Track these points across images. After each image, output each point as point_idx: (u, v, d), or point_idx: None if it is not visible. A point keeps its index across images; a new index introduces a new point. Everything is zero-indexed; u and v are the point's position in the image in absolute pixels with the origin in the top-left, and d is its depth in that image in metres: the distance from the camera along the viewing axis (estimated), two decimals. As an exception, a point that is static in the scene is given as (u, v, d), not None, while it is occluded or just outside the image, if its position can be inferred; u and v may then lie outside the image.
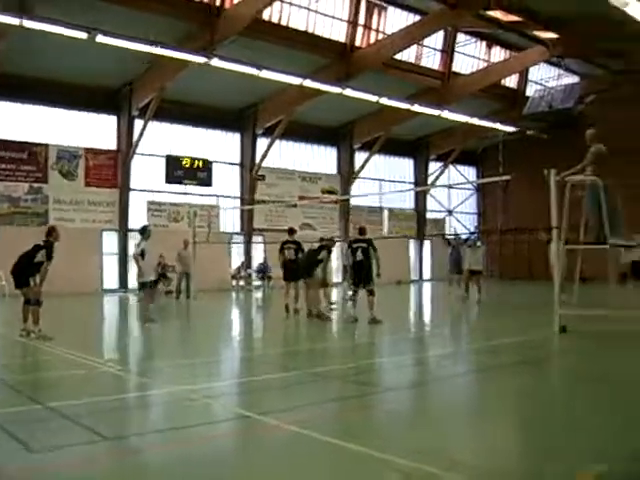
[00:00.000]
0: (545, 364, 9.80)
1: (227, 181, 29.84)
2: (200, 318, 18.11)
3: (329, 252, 16.01)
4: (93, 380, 8.06)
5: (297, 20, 25.26)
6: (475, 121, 31.06)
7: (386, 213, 35.89)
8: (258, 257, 29.61)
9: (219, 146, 29.60)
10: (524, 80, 33.64)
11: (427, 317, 19.15)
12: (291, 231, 17.11)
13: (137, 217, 26.62)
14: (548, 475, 4.63)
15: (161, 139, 27.58)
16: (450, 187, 39.38)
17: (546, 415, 6.42)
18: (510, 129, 32.91)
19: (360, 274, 14.57)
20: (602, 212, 11.59)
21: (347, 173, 33.56)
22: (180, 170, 27.29)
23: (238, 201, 30.10)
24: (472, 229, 38.33)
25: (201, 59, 21.44)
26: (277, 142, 30.09)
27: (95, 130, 26.04)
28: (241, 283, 28.57)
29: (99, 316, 18.75)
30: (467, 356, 10.69)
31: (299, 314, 15.87)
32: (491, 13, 24.27)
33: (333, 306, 17.50)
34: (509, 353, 10.50)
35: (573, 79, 31.47)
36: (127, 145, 26.04)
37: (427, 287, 32.71)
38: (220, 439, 5.65)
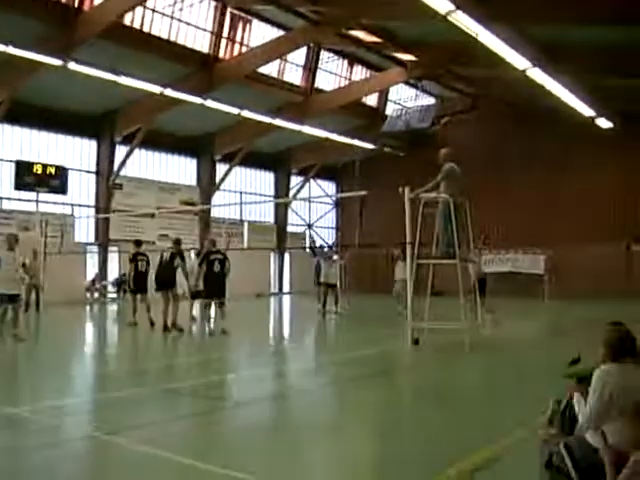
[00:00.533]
0: (397, 375, 10.24)
1: (83, 189, 28.78)
2: (50, 332, 17.31)
3: (182, 258, 15.89)
4: None
5: (160, 27, 24.76)
6: (335, 137, 31.63)
7: (246, 225, 35.80)
8: (114, 268, 28.75)
9: (75, 153, 28.50)
10: (384, 99, 34.60)
11: (285, 330, 19.22)
12: (138, 243, 17.23)
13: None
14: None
15: (11, 143, 26.23)
16: (310, 201, 39.87)
17: (395, 426, 6.60)
18: (369, 146, 33.75)
19: (217, 286, 14.82)
20: (450, 228, 12.12)
21: (207, 184, 33.20)
22: (31, 176, 25.93)
23: (93, 210, 29.10)
24: (329, 243, 39.04)
25: (57, 62, 20.56)
26: (136, 151, 29.35)
27: None
28: (95, 295, 27.63)
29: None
30: (322, 369, 10.82)
31: (154, 327, 15.55)
32: (353, 32, 24.82)
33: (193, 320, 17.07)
34: (365, 365, 10.75)
35: (429, 100, 32.70)
36: (-28, 148, 24.55)
37: (287, 300, 32.86)
38: (62, 461, 5.36)
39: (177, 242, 16.20)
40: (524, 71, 20.96)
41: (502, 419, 6.72)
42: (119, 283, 26.67)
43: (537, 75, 21.47)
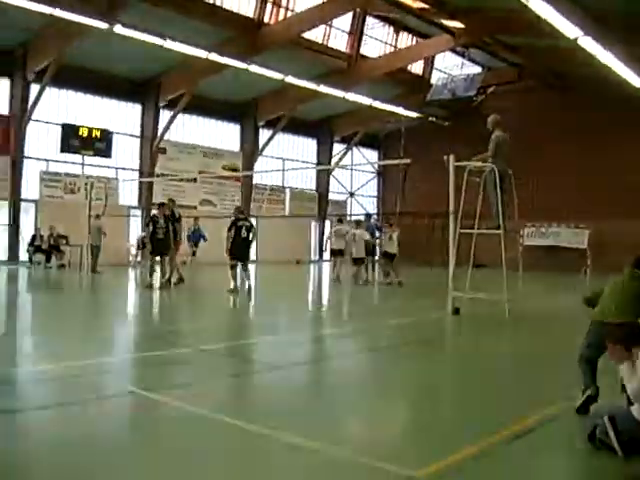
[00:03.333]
0: (436, 343, 10.10)
1: (127, 153, 29.04)
2: (103, 293, 17.64)
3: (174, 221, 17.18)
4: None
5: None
6: (379, 105, 31.32)
7: (288, 193, 35.83)
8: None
9: (119, 117, 28.70)
10: (430, 67, 34.10)
11: (324, 297, 19.20)
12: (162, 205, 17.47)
13: (30, 187, 25.63)
14: (425, 447, 4.71)
15: (58, 106, 26.52)
16: (352, 169, 39.70)
17: (433, 391, 6.59)
18: (413, 114, 33.39)
19: (245, 250, 15.94)
20: (499, 199, 11.95)
21: (250, 151, 33.25)
22: (77, 140, 26.23)
23: (137, 174, 29.35)
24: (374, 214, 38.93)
25: (103, 25, 20.62)
26: (180, 116, 29.41)
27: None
28: (139, 258, 27.91)
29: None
30: (362, 335, 10.76)
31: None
32: (400, -2, 24.41)
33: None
34: (405, 332, 10.82)
35: (476, 69, 32.14)
36: (21, 110, 24.81)
37: (326, 267, 32.85)
38: (105, 417, 5.45)
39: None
40: (575, 39, 20.38)
41: (542, 390, 6.63)
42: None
43: (588, 44, 20.88)
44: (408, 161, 13.52)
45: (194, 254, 23.93)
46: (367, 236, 20.59)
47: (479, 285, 13.25)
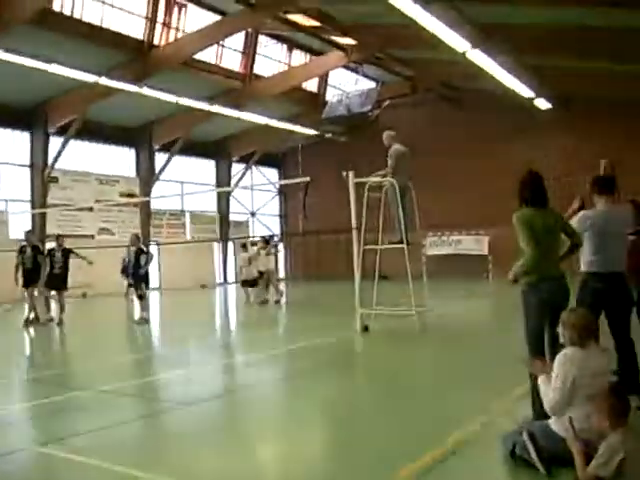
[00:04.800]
0: (347, 365, 9.81)
1: (16, 184, 27.73)
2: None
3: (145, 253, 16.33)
4: None
5: (92, 14, 23.86)
6: (275, 123, 31.24)
7: (188, 216, 35.18)
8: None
9: (6, 146, 27.43)
10: (324, 84, 34.27)
11: (231, 321, 18.74)
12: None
13: None
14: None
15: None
16: (252, 189, 39.46)
17: (348, 421, 6.33)
18: (310, 132, 33.45)
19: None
20: (400, 213, 11.93)
21: (147, 175, 32.46)
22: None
23: (28, 205, 28.12)
24: (273, 232, 38.89)
25: (-18, 50, 19.68)
26: (71, 142, 28.35)
27: None
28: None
29: None
30: (269, 361, 10.35)
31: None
32: (291, 16, 24.36)
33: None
34: (314, 355, 10.41)
35: (370, 85, 32.50)
36: None
37: (232, 290, 32.38)
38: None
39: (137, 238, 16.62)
40: (464, 53, 20.84)
41: (461, 406, 6.49)
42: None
43: (477, 56, 21.38)
44: (307, 179, 13.21)
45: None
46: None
47: (386, 299, 13.12)
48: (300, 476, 4.83)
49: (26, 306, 15.91)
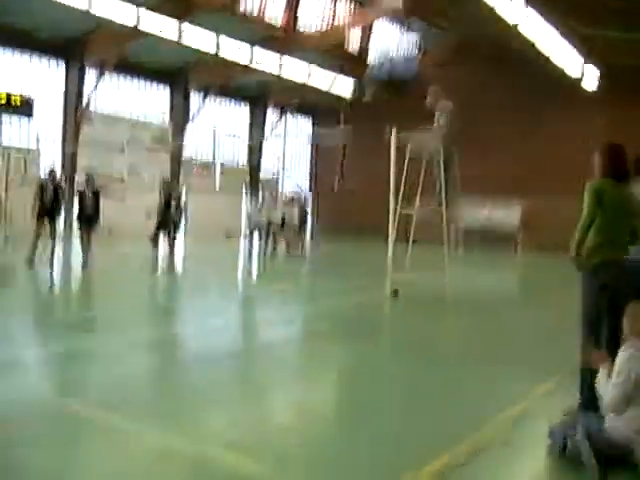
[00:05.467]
0: (375, 332, 9.39)
1: (50, 120, 27.40)
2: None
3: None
4: None
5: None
6: (314, 78, 30.59)
7: (219, 164, 34.76)
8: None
9: (43, 81, 27.02)
10: (367, 42, 33.40)
11: (253, 275, 18.37)
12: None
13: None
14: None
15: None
16: (285, 140, 38.93)
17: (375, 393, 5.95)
18: (350, 89, 32.79)
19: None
20: (442, 175, 11.41)
21: (180, 120, 32.02)
22: (-5, 104, 24.53)
23: (60, 143, 27.85)
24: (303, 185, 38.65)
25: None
26: (107, 82, 27.99)
27: None
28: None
29: None
30: (292, 321, 9.99)
31: None
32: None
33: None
34: (338, 318, 10.05)
35: (413, 48, 31.74)
36: None
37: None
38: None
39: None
40: (516, 26, 20.14)
41: (496, 387, 6.10)
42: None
43: (528, 21, 20.67)
44: (343, 141, 12.77)
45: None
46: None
47: (417, 263, 12.60)
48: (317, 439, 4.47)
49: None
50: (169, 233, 15.69)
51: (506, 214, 31.40)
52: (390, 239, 11.97)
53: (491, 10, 18.45)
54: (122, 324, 8.65)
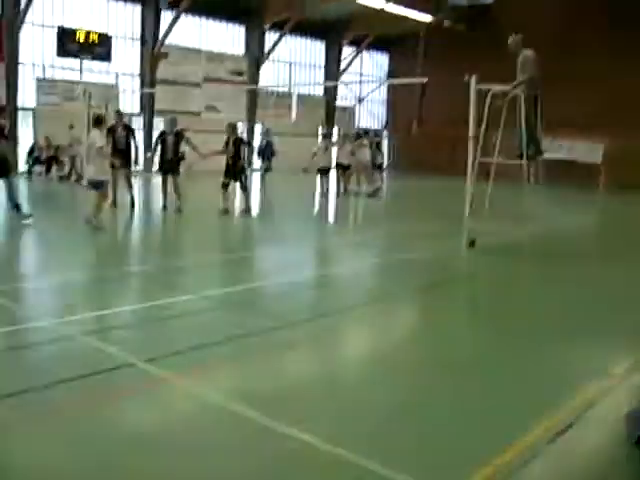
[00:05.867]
0: (449, 292, 8.79)
1: (127, 58, 27.79)
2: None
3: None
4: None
5: None
6: (392, 7, 29.78)
7: (295, 99, 34.63)
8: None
9: (119, 19, 27.34)
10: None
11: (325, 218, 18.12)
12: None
13: (26, 94, 24.63)
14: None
15: (53, 8, 25.17)
16: (361, 75, 38.36)
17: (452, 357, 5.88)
18: (427, 18, 31.85)
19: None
20: (524, 125, 11.06)
21: (256, 54, 31.93)
22: (74, 44, 24.99)
23: (138, 79, 28.23)
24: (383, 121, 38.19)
25: None
26: (182, 17, 28.02)
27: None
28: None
29: None
30: (356, 277, 9.49)
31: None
32: None
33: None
34: (409, 274, 9.67)
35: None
36: (14, 13, 23.53)
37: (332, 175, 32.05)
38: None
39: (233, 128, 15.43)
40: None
41: (576, 362, 5.83)
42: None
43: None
44: (424, 80, 12.43)
45: (267, 170, 21.98)
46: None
47: (495, 203, 11.79)
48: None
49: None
50: (238, 180, 15.09)
51: (589, 150, 30.46)
52: (468, 188, 11.66)
53: None
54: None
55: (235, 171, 14.93)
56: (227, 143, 14.92)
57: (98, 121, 12.71)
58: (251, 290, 8.09)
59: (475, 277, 9.93)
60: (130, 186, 15.16)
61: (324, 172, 20.38)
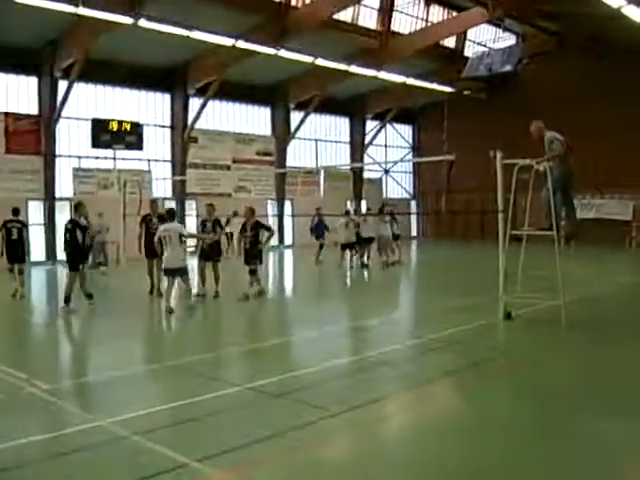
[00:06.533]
0: (493, 371, 8.54)
1: (158, 144, 28.69)
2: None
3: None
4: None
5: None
6: (412, 81, 30.53)
7: (322, 173, 35.26)
8: (191, 223, 28.71)
9: (149, 108, 28.38)
10: (463, 39, 33.08)
11: (355, 294, 18.46)
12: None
13: (64, 185, 25.46)
14: None
15: (87, 101, 26.23)
16: (386, 146, 39.03)
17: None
18: (447, 89, 32.52)
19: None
20: (551, 197, 11.19)
21: (282, 134, 32.74)
22: (107, 134, 25.95)
23: (169, 165, 29.06)
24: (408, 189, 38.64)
25: (128, 20, 20.25)
26: (210, 102, 28.96)
27: (15, 93, 24.44)
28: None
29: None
30: (396, 357, 9.29)
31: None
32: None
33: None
34: (450, 353, 9.41)
35: (511, 41, 31.14)
36: (50, 109, 24.56)
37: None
38: None
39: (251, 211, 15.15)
40: (619, 8, 19.48)
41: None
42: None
43: (632, 11, 19.98)
44: (452, 157, 12.73)
45: (321, 247, 23.49)
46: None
47: (528, 270, 11.63)
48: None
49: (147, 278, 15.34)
50: (248, 262, 14.73)
51: (618, 207, 30.53)
52: (501, 259, 11.71)
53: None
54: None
55: (251, 254, 14.59)
56: (244, 227, 14.74)
57: (170, 213, 13.86)
58: (293, 378, 8.17)
59: (515, 355, 9.48)
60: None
61: (347, 247, 21.08)
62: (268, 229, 14.76)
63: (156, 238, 13.50)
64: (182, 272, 13.29)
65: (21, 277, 15.34)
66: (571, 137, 11.35)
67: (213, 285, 15.00)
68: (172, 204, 28.70)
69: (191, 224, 28.21)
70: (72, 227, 13.54)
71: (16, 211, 15.62)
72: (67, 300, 13.20)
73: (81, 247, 13.59)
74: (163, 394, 7.78)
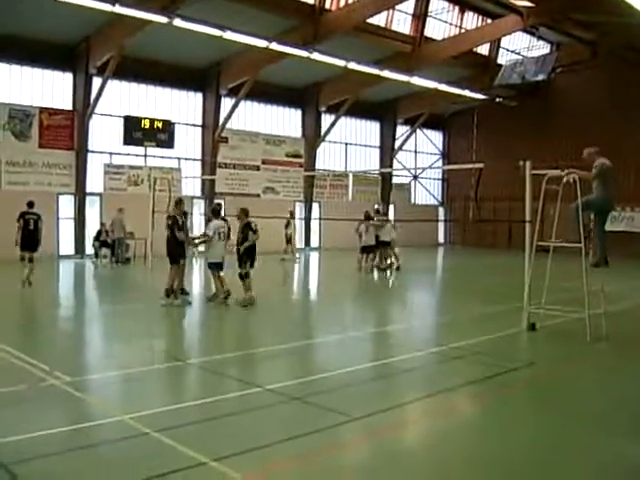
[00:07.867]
0: (521, 382, 8.44)
1: (189, 143, 28.90)
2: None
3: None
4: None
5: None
6: (444, 87, 30.40)
7: (351, 177, 35.25)
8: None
9: (181, 107, 28.60)
10: (496, 47, 32.89)
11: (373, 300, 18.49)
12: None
13: (94, 180, 25.73)
14: None
15: (120, 98, 26.50)
16: (416, 152, 38.92)
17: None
18: (479, 96, 32.36)
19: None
20: (580, 217, 10.98)
21: (312, 136, 32.79)
22: (139, 131, 26.23)
23: (199, 163, 29.25)
24: (436, 195, 38.56)
25: (163, 19, 20.39)
26: (241, 103, 29.09)
27: (50, 88, 24.79)
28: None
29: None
30: (415, 368, 9.09)
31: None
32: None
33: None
34: (472, 362, 9.28)
35: (545, 49, 30.91)
36: (84, 105, 24.84)
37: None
38: None
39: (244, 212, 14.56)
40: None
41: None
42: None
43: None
44: (481, 166, 12.66)
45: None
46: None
47: (554, 281, 11.49)
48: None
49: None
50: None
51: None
52: (526, 270, 11.65)
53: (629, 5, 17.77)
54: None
55: (239, 258, 14.11)
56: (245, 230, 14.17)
57: (215, 212, 14.98)
58: (315, 381, 8.21)
59: (538, 367, 9.26)
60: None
61: (368, 250, 21.69)
62: (255, 232, 14.12)
63: (211, 232, 14.01)
64: (221, 267, 14.00)
65: (31, 264, 16.04)
66: (603, 149, 11.19)
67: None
68: (201, 203, 28.97)
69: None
70: (172, 223, 13.93)
71: (31, 204, 16.42)
72: (169, 293, 13.74)
73: (181, 242, 13.98)
74: (185, 392, 7.92)
